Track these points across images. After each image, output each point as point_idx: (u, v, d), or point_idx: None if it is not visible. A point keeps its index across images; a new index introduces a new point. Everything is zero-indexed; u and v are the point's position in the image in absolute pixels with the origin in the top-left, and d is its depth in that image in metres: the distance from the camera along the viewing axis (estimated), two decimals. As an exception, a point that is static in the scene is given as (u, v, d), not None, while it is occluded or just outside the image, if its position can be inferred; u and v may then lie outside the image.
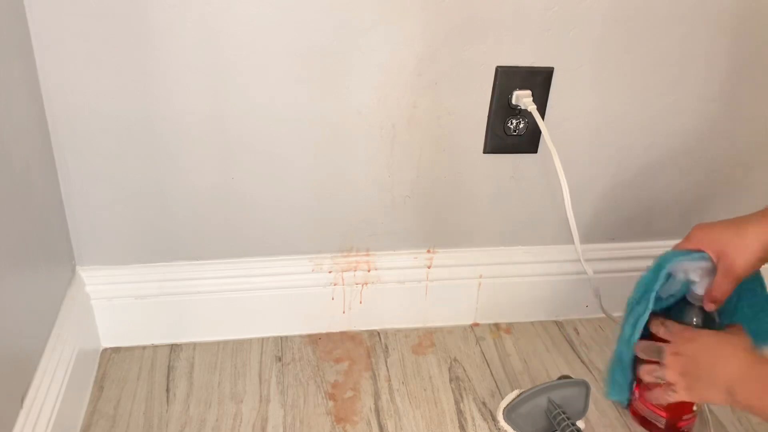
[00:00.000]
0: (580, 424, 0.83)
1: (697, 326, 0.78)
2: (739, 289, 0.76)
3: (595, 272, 0.97)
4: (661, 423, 0.85)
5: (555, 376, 0.96)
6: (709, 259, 0.74)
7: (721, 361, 0.70)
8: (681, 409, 0.84)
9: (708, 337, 0.74)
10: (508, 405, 0.84)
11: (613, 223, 1.02)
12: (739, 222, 0.73)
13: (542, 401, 0.83)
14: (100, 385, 0.92)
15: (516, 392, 0.86)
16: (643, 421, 0.87)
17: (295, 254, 0.97)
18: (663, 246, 1.04)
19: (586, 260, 1.01)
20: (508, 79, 0.87)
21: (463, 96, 0.88)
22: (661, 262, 0.77)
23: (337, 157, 0.90)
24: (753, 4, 0.88)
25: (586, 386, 0.84)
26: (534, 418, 0.83)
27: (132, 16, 0.77)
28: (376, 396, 0.92)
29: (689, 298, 0.79)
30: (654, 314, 0.78)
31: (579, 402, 0.84)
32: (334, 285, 0.99)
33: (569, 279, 1.04)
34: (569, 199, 0.88)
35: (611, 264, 1.02)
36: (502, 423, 0.84)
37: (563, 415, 0.80)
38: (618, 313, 1.04)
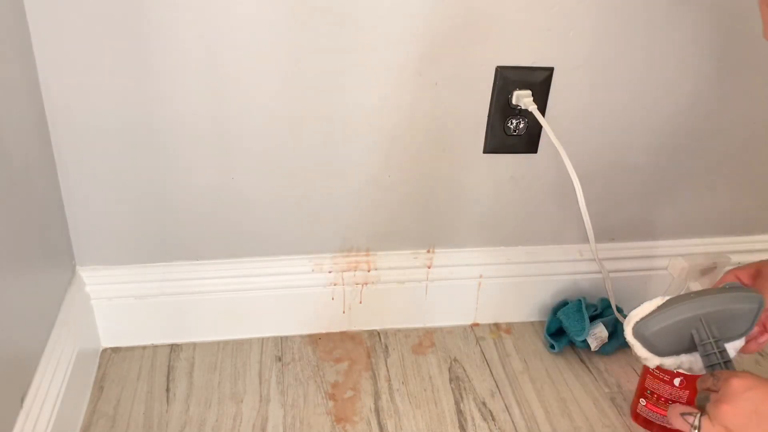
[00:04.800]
0: (738, 343, 0.67)
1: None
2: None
3: (595, 272, 0.97)
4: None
5: (555, 375, 0.97)
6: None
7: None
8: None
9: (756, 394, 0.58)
10: (644, 318, 0.68)
11: (613, 223, 1.02)
12: None
13: (692, 321, 0.66)
14: (100, 385, 0.92)
15: (658, 300, 0.68)
16: (648, 423, 0.87)
17: (295, 254, 0.97)
18: (663, 246, 1.05)
19: (587, 260, 1.02)
20: (508, 79, 0.87)
21: (463, 96, 0.88)
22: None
23: (337, 157, 0.90)
24: (750, 2, 0.88)
25: (759, 303, 0.66)
26: (674, 337, 0.67)
27: (132, 16, 0.77)
28: (376, 396, 0.92)
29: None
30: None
31: (743, 322, 0.67)
32: (334, 285, 0.99)
33: (569, 279, 1.04)
34: (582, 195, 0.86)
35: (611, 264, 1.02)
36: (629, 338, 0.69)
37: (715, 351, 0.65)
38: (627, 313, 1.05)
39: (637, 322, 0.68)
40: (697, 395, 0.63)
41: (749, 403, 0.57)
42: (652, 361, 0.68)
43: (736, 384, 0.58)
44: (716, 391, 0.60)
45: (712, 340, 0.65)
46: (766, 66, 0.93)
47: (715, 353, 0.65)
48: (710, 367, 0.65)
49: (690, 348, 0.67)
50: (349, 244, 0.98)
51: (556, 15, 0.84)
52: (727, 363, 0.65)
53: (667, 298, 0.68)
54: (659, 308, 0.67)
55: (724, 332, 0.66)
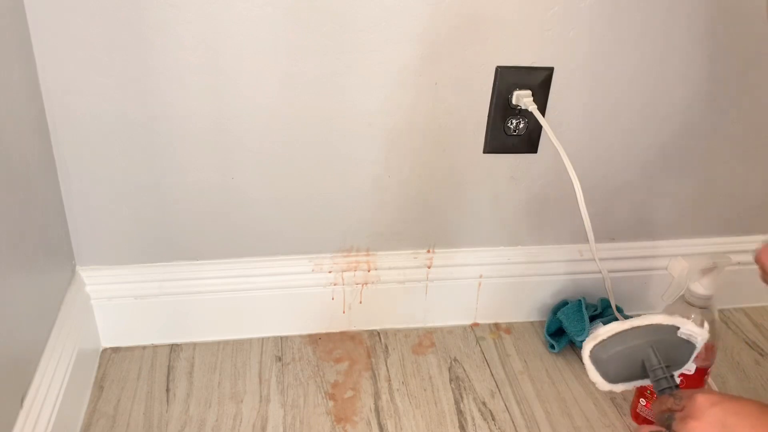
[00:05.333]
0: (680, 371, 0.71)
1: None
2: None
3: (595, 272, 0.97)
4: None
5: (555, 375, 0.96)
6: None
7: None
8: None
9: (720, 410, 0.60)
10: (601, 342, 0.70)
11: (613, 223, 1.02)
12: None
13: (643, 348, 0.69)
14: (100, 385, 0.92)
15: (615, 327, 0.70)
16: (648, 423, 0.87)
17: (295, 254, 0.97)
18: (663, 246, 1.05)
19: (587, 260, 1.02)
20: (508, 79, 0.87)
21: (463, 96, 0.88)
22: None
23: (337, 157, 0.90)
24: (750, 3, 0.88)
25: (700, 342, 0.71)
26: (626, 362, 0.69)
27: (132, 16, 0.77)
28: (376, 396, 0.92)
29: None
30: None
31: (685, 354, 0.70)
32: (334, 285, 0.99)
33: (569, 279, 1.04)
34: (581, 195, 0.86)
35: (611, 264, 1.02)
36: (587, 360, 0.70)
37: (666, 375, 0.67)
38: (627, 313, 1.05)
39: (595, 346, 0.69)
40: (658, 415, 0.64)
41: (716, 417, 0.58)
42: (603, 386, 0.70)
43: (702, 400, 0.59)
44: (680, 410, 0.61)
45: (663, 365, 0.67)
46: (766, 65, 0.93)
47: (665, 378, 0.67)
48: (661, 391, 0.67)
49: (639, 376, 0.69)
50: (349, 244, 0.98)
51: (556, 15, 0.84)
52: (677, 387, 0.66)
53: (622, 325, 0.70)
54: (614, 335, 0.69)
55: (671, 361, 0.69)
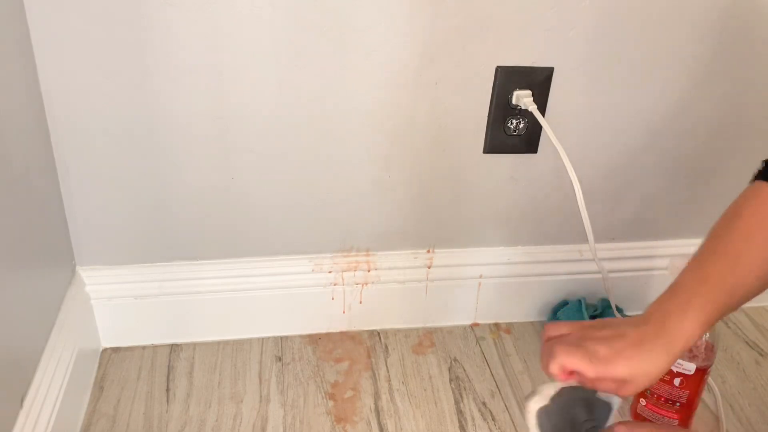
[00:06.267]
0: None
1: None
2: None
3: (595, 272, 0.97)
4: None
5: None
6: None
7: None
8: (690, 410, 0.85)
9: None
10: (545, 406, 0.69)
11: (613, 223, 1.02)
12: (640, 350, 0.62)
13: (573, 405, 0.71)
14: (100, 385, 0.92)
15: (551, 387, 0.69)
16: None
17: (295, 254, 0.97)
18: (663, 246, 1.05)
19: (587, 260, 1.02)
20: (508, 79, 0.87)
21: (463, 96, 0.88)
22: None
23: (338, 156, 0.90)
24: (749, 4, 0.88)
25: (614, 404, 0.74)
26: (560, 419, 0.72)
27: (132, 16, 0.77)
28: (376, 396, 0.92)
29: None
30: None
31: (604, 414, 0.73)
32: (334, 285, 0.99)
33: (569, 279, 1.04)
34: (581, 195, 0.87)
35: (611, 264, 1.02)
36: (532, 421, 0.69)
37: (593, 426, 0.70)
38: (628, 313, 1.05)
39: (540, 409, 0.69)
40: None
41: None
42: None
43: (622, 428, 0.64)
44: None
45: (591, 417, 0.70)
46: (765, 65, 0.93)
47: (593, 428, 0.70)
48: None
49: None
50: (349, 244, 0.98)
51: (555, 15, 0.84)
52: None
53: (555, 386, 0.69)
54: (558, 393, 0.69)
55: (594, 417, 0.71)
